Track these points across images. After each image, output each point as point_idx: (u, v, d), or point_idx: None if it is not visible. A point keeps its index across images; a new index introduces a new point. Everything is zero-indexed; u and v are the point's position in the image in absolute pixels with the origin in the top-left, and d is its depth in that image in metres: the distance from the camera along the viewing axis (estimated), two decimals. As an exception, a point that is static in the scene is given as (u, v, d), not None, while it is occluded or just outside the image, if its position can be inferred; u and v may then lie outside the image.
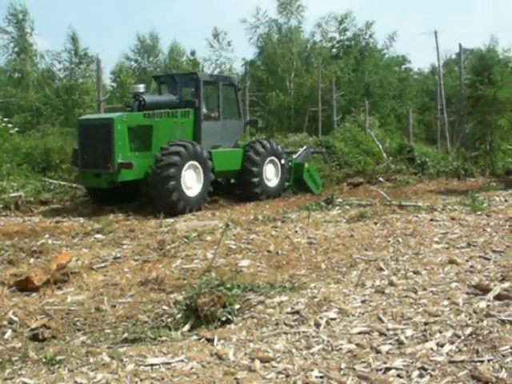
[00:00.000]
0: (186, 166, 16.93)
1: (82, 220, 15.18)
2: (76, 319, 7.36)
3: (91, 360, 5.54)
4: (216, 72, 50.26)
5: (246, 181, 19.55)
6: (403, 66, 62.03)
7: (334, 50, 54.72)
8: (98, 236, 12.71)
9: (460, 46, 37.61)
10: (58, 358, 5.62)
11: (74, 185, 19.91)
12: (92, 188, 17.62)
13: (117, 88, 49.68)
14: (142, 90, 18.30)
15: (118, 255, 10.58)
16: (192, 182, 17.17)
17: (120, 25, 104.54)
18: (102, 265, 9.97)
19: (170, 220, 14.82)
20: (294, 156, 22.16)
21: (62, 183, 20.19)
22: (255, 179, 19.52)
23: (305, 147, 24.23)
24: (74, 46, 45.42)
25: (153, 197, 16.50)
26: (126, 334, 6.53)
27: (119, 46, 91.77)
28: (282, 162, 20.65)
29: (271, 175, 20.30)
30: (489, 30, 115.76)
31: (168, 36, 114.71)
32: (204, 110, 19.00)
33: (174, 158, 16.59)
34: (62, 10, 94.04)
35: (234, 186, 20.21)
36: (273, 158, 20.32)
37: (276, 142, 21.86)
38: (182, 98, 19.31)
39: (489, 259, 8.96)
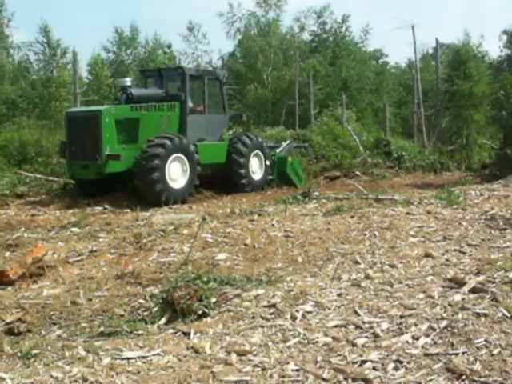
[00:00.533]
0: (171, 158, 17.30)
1: (57, 213, 15.11)
2: (52, 313, 7.32)
3: (67, 354, 5.51)
4: (193, 65, 50.16)
5: (234, 172, 19.94)
6: (380, 60, 62.31)
7: (313, 44, 54.80)
8: (74, 229, 12.64)
9: (437, 40, 37.85)
10: (34, 351, 5.58)
11: (49, 178, 19.80)
12: (80, 180, 17.83)
13: (93, 80, 49.46)
14: (128, 84, 18.69)
15: (94, 248, 10.52)
16: (177, 174, 17.52)
17: (97, 17, 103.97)
18: (78, 258, 9.91)
19: (147, 213, 14.78)
20: (278, 150, 22.50)
21: (38, 176, 20.10)
22: (242, 170, 19.98)
23: (288, 141, 24.76)
24: (46, 38, 45.06)
25: (138, 187, 16.87)
26: (101, 328, 6.50)
27: (97, 38, 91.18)
28: (267, 155, 21.10)
29: (256, 168, 20.75)
30: (463, 25, 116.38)
31: (143, 29, 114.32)
32: (190, 104, 19.37)
33: (158, 149, 16.95)
34: (39, 2, 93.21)
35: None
36: (257, 151, 20.81)
37: (260, 136, 22.27)
38: (168, 92, 19.64)
39: (464, 253, 9.01)
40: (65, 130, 18.53)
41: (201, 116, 19.85)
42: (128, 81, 19.06)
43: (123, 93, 18.34)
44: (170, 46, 57.13)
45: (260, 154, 20.93)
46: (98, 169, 16.89)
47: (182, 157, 17.69)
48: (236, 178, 19.99)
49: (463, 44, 46.34)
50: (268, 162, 21.21)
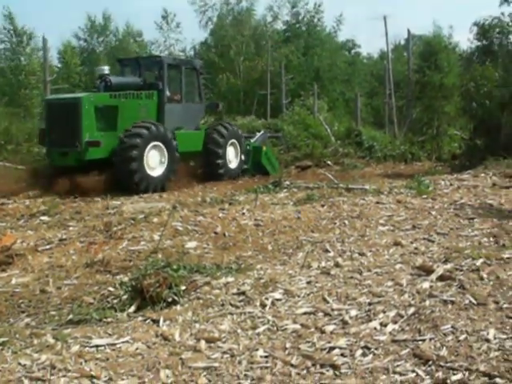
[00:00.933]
0: (149, 147, 17.52)
1: (27, 202, 14.96)
2: (20, 301, 7.29)
3: (35, 342, 5.48)
4: (165, 54, 49.93)
5: (211, 162, 20.25)
6: (352, 51, 62.41)
7: (287, 34, 54.69)
8: (44, 218, 12.56)
9: (408, 31, 37.97)
10: (2, 339, 5.54)
11: (19, 166, 19.61)
12: (58, 167, 17.64)
13: (63, 68, 49.03)
14: (106, 72, 18.88)
15: (64, 237, 10.47)
16: (155, 162, 17.76)
17: (68, 3, 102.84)
18: (48, 247, 9.85)
19: (117, 202, 14.71)
20: (252, 140, 22.81)
21: (8, 165, 19.87)
22: (220, 161, 20.30)
23: (262, 131, 25.07)
24: (11, 24, 44.50)
25: (117, 177, 16.90)
26: (70, 316, 6.47)
27: (68, 26, 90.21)
28: (243, 145, 21.53)
29: (232, 157, 21.11)
30: (435, 16, 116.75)
31: (116, 17, 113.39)
32: (167, 93, 19.54)
33: (135, 140, 17.17)
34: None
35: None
36: (234, 140, 21.13)
37: (236, 126, 22.61)
38: (146, 81, 19.80)
39: (433, 241, 9.08)
40: (44, 117, 18.78)
41: (178, 104, 20.06)
42: (106, 69, 19.18)
43: (102, 80, 18.44)
44: (140, 35, 56.77)
45: (236, 143, 21.22)
46: (77, 155, 17.01)
47: (161, 145, 17.90)
48: (214, 168, 20.27)
49: (434, 35, 46.56)
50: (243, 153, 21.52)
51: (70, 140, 16.88)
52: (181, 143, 18.89)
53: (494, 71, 25.87)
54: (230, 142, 20.93)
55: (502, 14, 29.55)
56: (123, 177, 16.84)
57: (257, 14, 52.72)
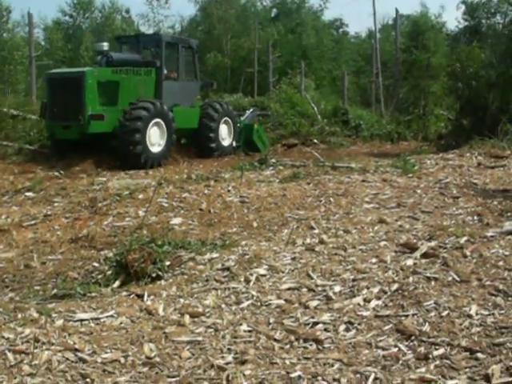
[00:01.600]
0: (152, 122, 18.12)
1: (11, 178, 14.90)
2: (4, 276, 7.30)
3: (19, 316, 5.46)
4: (153, 30, 49.74)
5: (204, 136, 20.70)
6: (340, 30, 62.36)
7: (274, 10, 54.55)
8: (29, 194, 12.54)
9: (396, 10, 37.82)
10: (-15, 314, 5.54)
11: (4, 142, 19.50)
12: (59, 140, 18.20)
13: (46, 44, 48.67)
14: (106, 48, 19.34)
15: (49, 213, 10.47)
16: (156, 138, 18.32)
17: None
18: (32, 222, 9.86)
19: (103, 178, 14.68)
20: (242, 118, 23.16)
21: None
22: (212, 134, 20.77)
23: (251, 109, 25.33)
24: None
25: (118, 148, 17.40)
26: (55, 291, 6.50)
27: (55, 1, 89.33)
28: (236, 123, 22.15)
29: (225, 135, 21.63)
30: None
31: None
32: (165, 70, 20.03)
33: (142, 112, 17.74)
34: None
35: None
36: (227, 118, 21.68)
37: (230, 105, 23.03)
38: (144, 58, 20.40)
39: (417, 219, 9.10)
40: (46, 90, 19.18)
41: (175, 82, 20.56)
42: (105, 45, 19.54)
43: (103, 56, 18.90)
44: (128, 11, 56.41)
45: (229, 121, 21.73)
46: (80, 129, 17.40)
47: (161, 122, 18.42)
48: (206, 142, 20.70)
49: (421, 15, 46.57)
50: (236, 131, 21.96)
51: (73, 114, 17.28)
52: (178, 120, 19.37)
53: (481, 52, 25.93)
54: (224, 119, 21.38)
55: None
56: (125, 148, 17.20)
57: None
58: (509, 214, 9.32)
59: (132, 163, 17.09)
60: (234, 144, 21.95)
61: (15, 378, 4.20)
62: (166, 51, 20.18)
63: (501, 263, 6.57)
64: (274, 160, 16.43)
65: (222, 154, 20.96)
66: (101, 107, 17.69)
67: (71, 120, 17.44)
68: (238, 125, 22.39)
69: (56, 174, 15.74)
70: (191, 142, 21.06)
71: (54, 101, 17.94)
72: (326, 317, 5.30)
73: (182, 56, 20.79)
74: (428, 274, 6.18)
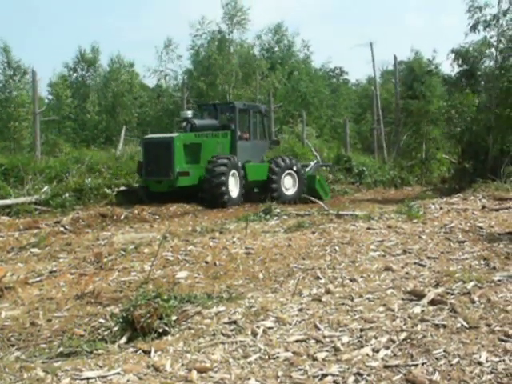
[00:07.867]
0: (231, 174, 21.86)
1: (17, 234, 14.90)
2: (10, 334, 7.22)
3: (25, 375, 5.41)
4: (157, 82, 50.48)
5: (269, 187, 23.73)
6: (341, 78, 62.97)
7: (275, 58, 55.26)
8: (34, 250, 12.49)
9: (395, 57, 38.28)
10: (-9, 374, 5.49)
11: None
12: (153, 192, 21.74)
13: (53, 100, 49.13)
14: (190, 115, 23.84)
15: (54, 269, 10.41)
16: (233, 186, 22.04)
17: (58, 35, 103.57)
18: (38, 279, 9.79)
19: (108, 233, 14.66)
20: (307, 169, 26.13)
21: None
22: (274, 185, 23.87)
23: (315, 161, 28.33)
24: (6, 57, 44.58)
25: (206, 199, 21.33)
26: (61, 348, 6.42)
27: (58, 58, 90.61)
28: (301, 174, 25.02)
29: (289, 185, 24.57)
30: (422, 42, 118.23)
31: (108, 46, 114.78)
32: (238, 132, 23.69)
33: (222, 168, 21.52)
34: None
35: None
36: (290, 171, 24.63)
37: (295, 159, 26.33)
38: (221, 122, 24.24)
39: (424, 265, 9.08)
40: (142, 152, 23.07)
41: (247, 142, 24.23)
42: (189, 113, 24.23)
43: (188, 123, 23.15)
44: (132, 65, 57.04)
45: (293, 173, 24.62)
46: (170, 183, 21.51)
47: (236, 173, 22.23)
48: (272, 191, 23.40)
49: (415, 59, 47.04)
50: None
51: (164, 171, 21.42)
52: (250, 173, 23.19)
53: (474, 97, 26.20)
54: (286, 172, 24.40)
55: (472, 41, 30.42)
56: (214, 199, 21.11)
57: (245, 43, 53.08)
58: (515, 257, 9.29)
59: (216, 201, 20.97)
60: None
61: None
62: (239, 116, 23.77)
63: (509, 307, 6.54)
64: (278, 210, 16.43)
65: (285, 202, 22.75)
66: (186, 165, 21.72)
67: (163, 176, 21.47)
68: (303, 176, 24.96)
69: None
70: (262, 191, 23.70)
71: (148, 160, 21.85)
72: (334, 368, 5.24)
73: (252, 119, 24.55)
74: (436, 322, 6.14)
